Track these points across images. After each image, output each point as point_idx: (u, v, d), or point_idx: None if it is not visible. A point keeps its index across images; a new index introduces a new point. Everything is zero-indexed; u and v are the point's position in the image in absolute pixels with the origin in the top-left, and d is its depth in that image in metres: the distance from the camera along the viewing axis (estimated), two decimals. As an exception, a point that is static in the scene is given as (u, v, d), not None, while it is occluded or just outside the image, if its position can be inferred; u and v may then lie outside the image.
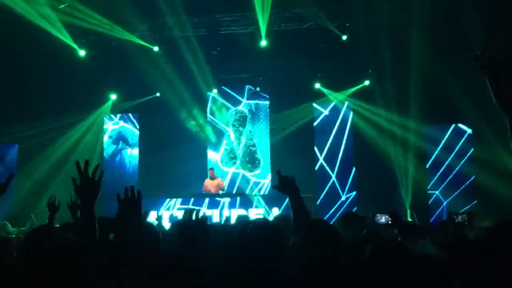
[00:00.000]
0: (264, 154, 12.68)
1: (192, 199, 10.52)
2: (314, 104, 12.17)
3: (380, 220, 5.49)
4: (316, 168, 11.84)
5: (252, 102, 12.81)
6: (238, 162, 12.68)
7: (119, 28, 10.91)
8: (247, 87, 12.80)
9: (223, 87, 12.66)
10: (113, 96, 12.37)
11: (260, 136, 12.74)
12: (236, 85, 12.75)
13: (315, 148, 11.94)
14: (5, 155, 11.65)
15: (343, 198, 11.46)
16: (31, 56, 10.37)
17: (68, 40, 10.72)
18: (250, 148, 12.74)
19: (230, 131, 12.83)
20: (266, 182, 12.42)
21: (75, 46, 10.95)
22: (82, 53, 11.12)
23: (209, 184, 11.15)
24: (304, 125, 12.14)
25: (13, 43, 9.95)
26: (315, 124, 12.10)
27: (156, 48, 11.52)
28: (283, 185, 2.93)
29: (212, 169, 11.58)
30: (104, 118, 12.52)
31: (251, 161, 12.67)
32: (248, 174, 12.60)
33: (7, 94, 10.74)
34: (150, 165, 12.00)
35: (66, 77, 10.98)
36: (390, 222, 5.45)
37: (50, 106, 10.85)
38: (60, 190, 10.60)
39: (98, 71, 11.37)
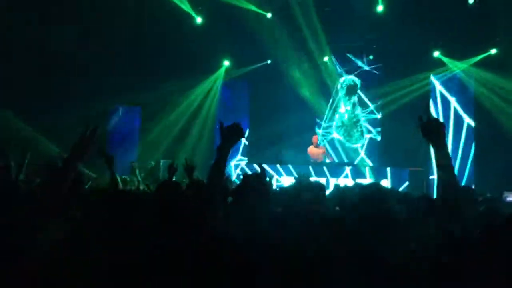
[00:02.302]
0: (371, 125, 12.33)
1: (297, 167, 10.54)
2: (432, 75, 11.44)
3: (508, 198, 5.04)
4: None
5: (365, 70, 12.40)
6: (345, 131, 12.48)
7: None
8: (359, 55, 12.40)
9: (335, 54, 12.38)
10: (226, 63, 12.67)
11: (369, 107, 12.37)
12: (349, 52, 12.40)
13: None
14: (130, 117, 12.61)
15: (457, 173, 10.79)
16: (152, 22, 10.91)
17: (186, 7, 11.14)
18: (357, 118, 12.43)
19: (340, 99, 12.60)
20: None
21: (192, 13, 11.35)
22: (199, 20, 11.50)
23: (314, 152, 11.12)
24: (420, 96, 11.48)
25: (135, 10, 10.54)
26: (432, 95, 11.40)
27: (269, 15, 11.53)
28: (429, 128, 2.41)
29: (316, 136, 11.56)
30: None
31: (357, 131, 12.38)
32: (355, 145, 12.39)
33: (130, 59, 11.48)
34: (259, 132, 12.21)
35: (184, 43, 11.41)
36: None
37: (169, 71, 11.42)
38: (178, 152, 11.34)
39: (214, 38, 11.68)
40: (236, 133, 2.71)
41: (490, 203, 3.73)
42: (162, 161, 10.91)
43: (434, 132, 2.39)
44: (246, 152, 12.57)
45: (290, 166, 10.52)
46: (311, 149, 11.19)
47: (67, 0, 10.03)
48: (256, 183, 3.17)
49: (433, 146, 2.38)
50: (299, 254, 2.16)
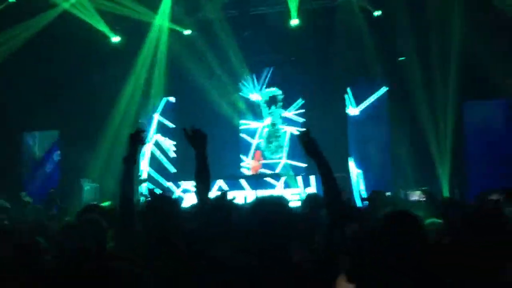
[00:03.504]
0: (291, 137, 12.51)
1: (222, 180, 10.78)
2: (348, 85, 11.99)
3: (412, 198, 5.35)
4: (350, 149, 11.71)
5: (283, 84, 12.62)
6: (267, 144, 12.58)
7: (151, 12, 11.03)
8: (275, 68, 12.61)
9: (254, 69, 12.54)
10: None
11: (290, 119, 12.59)
12: (267, 66, 12.61)
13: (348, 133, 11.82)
14: (47, 141, 12.09)
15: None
16: (67, 42, 10.60)
17: (102, 26, 10.91)
18: (277, 130, 12.59)
19: (261, 113, 12.75)
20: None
21: (109, 32, 11.14)
22: (115, 39, 11.30)
23: (255, 166, 11.52)
24: (338, 106, 11.93)
25: (50, 31, 10.19)
26: (348, 104, 11.95)
27: (187, 32, 11.54)
28: (308, 146, 2.69)
29: (259, 151, 11.85)
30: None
31: (278, 143, 12.53)
32: (276, 157, 12.53)
33: (46, 81, 11.02)
34: (186, 150, 12.05)
35: (101, 63, 11.16)
36: (422, 200, 5.33)
37: (86, 92, 11.10)
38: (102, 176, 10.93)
39: (132, 56, 11.52)
40: (134, 138, 2.79)
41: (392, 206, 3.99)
42: (85, 185, 10.52)
43: (312, 149, 2.63)
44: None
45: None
46: (253, 163, 11.46)
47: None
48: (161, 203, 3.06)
49: (314, 160, 2.62)
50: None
